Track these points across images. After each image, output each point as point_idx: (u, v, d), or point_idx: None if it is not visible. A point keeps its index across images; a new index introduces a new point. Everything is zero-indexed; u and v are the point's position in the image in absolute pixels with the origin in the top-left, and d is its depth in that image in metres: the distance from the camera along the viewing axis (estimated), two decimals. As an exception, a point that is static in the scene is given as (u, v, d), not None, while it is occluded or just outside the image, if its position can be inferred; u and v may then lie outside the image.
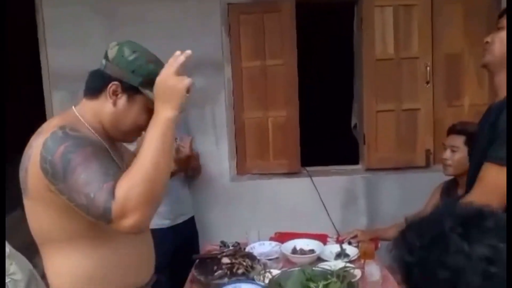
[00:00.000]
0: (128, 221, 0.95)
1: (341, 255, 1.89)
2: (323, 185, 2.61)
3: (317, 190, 2.60)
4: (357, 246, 1.97)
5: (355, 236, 2.07)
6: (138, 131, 1.17)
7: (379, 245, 2.06)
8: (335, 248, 1.96)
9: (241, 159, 2.71)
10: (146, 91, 1.09)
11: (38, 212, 1.09)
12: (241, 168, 2.71)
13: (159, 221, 2.00)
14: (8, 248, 1.50)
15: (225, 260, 1.67)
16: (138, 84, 1.10)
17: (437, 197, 2.11)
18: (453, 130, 1.95)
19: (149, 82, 1.07)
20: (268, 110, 2.67)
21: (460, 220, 0.59)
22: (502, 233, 0.57)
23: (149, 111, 1.09)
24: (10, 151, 1.92)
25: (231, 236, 2.07)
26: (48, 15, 2.54)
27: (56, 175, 0.99)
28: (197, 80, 2.57)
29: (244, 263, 1.64)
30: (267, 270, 1.66)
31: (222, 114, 2.61)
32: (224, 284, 1.54)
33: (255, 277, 1.61)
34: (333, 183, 2.64)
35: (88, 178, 0.97)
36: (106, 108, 1.12)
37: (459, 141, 1.92)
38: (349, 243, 2.03)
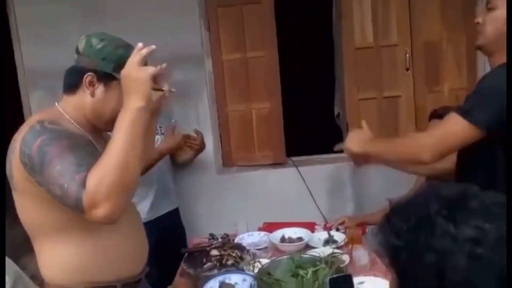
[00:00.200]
0: (100, 211, 0.96)
1: (329, 241, 1.91)
2: (309, 174, 2.63)
3: (303, 180, 2.62)
4: (344, 232, 1.99)
5: (343, 223, 2.10)
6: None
7: (366, 230, 2.10)
8: (323, 235, 1.98)
9: (226, 151, 2.70)
10: (119, 76, 1.10)
11: (27, 205, 1.10)
12: (227, 161, 2.71)
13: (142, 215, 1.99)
14: None
15: (214, 252, 1.67)
16: (111, 70, 1.12)
17: (422, 181, 2.15)
18: (435, 115, 1.98)
19: (122, 66, 1.09)
20: (251, 102, 2.67)
21: (445, 202, 0.59)
22: (487, 213, 0.57)
23: None
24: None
25: (220, 228, 2.07)
26: (20, 13, 2.47)
27: (34, 168, 1.02)
28: (178, 75, 2.56)
29: (233, 254, 1.65)
30: (257, 260, 1.66)
31: (205, 107, 2.60)
32: (214, 276, 1.54)
33: (244, 267, 1.62)
34: (319, 172, 2.66)
35: (62, 170, 0.98)
36: (86, 100, 1.14)
37: (440, 126, 1.96)
38: (337, 230, 2.05)
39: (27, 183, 1.05)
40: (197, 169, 2.57)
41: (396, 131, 2.68)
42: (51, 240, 1.12)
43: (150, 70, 1.04)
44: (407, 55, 2.59)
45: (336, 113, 2.90)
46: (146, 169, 1.72)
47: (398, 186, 2.32)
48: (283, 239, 1.92)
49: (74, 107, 1.15)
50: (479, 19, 1.27)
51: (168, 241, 2.08)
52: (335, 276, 1.24)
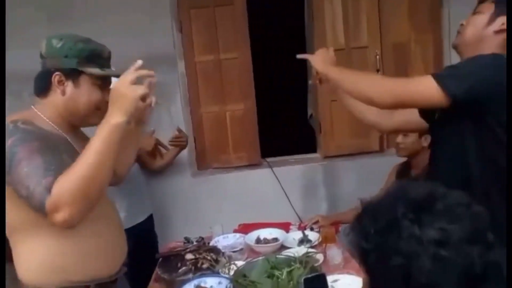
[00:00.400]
0: (59, 215, 0.99)
1: (303, 241, 1.93)
2: (284, 175, 2.65)
3: (278, 180, 2.63)
4: (318, 232, 2.02)
5: (317, 222, 2.13)
6: (96, 110, 1.20)
7: (340, 229, 2.14)
8: (297, 235, 2.00)
9: (200, 154, 2.69)
10: (86, 69, 1.15)
11: (6, 204, 1.11)
12: (202, 163, 2.69)
13: None
14: None
15: (189, 256, 1.66)
16: (76, 65, 1.14)
17: (393, 179, 2.21)
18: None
19: (85, 59, 1.14)
20: (225, 103, 2.67)
21: (411, 204, 0.60)
22: (451, 215, 0.58)
23: (99, 87, 1.18)
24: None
25: (195, 231, 2.05)
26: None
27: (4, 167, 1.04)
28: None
29: (209, 258, 1.64)
30: (232, 262, 1.66)
31: (178, 110, 2.57)
32: (189, 280, 1.53)
33: (220, 270, 1.62)
34: (293, 172, 2.69)
35: (29, 172, 1.00)
36: (58, 99, 1.17)
37: (409, 125, 2.01)
38: (311, 229, 2.08)
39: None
40: (171, 172, 2.54)
41: (367, 131, 2.74)
42: (24, 239, 1.13)
43: (140, 91, 1.05)
44: (377, 56, 2.66)
45: (309, 114, 2.93)
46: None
47: (369, 184, 2.37)
48: (258, 240, 1.93)
49: (48, 108, 1.17)
50: (463, 21, 1.30)
51: (141, 247, 2.05)
52: (309, 276, 1.26)
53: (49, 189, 0.98)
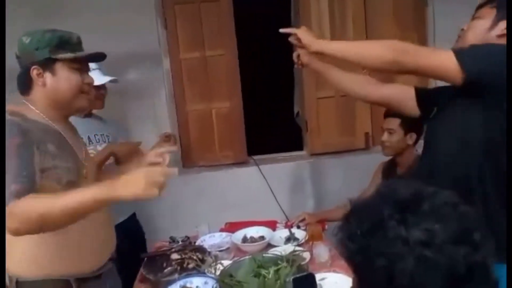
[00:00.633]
0: (9, 223, 1.02)
1: (290, 239, 1.93)
2: (271, 173, 2.64)
3: (264, 178, 2.63)
4: (305, 229, 2.02)
5: (303, 220, 2.13)
6: (81, 94, 1.25)
7: (326, 226, 2.14)
8: (284, 233, 2.00)
9: (186, 152, 2.66)
10: (59, 56, 1.19)
11: None
12: (187, 161, 2.66)
13: None
14: None
15: (175, 256, 1.64)
16: (48, 54, 1.18)
17: (379, 176, 2.22)
18: (389, 114, 2.05)
19: (56, 47, 1.18)
20: (211, 101, 2.64)
21: (398, 205, 0.59)
22: (437, 215, 0.58)
23: (78, 70, 1.22)
24: None
25: (181, 231, 2.03)
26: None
27: None
28: (134, 74, 2.48)
29: (195, 257, 1.62)
30: (219, 261, 1.65)
31: (163, 107, 2.54)
32: (175, 280, 1.51)
33: (206, 270, 1.60)
34: (280, 170, 2.68)
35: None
36: (42, 92, 1.20)
37: (395, 123, 2.02)
38: (298, 227, 2.08)
39: None
40: (156, 171, 2.51)
41: (354, 128, 2.76)
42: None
43: (152, 193, 1.02)
44: (363, 54, 2.66)
45: (295, 111, 2.93)
46: None
47: (355, 182, 2.38)
48: (245, 239, 1.91)
49: (37, 102, 1.21)
50: (464, 26, 1.31)
51: (127, 247, 2.01)
52: (298, 275, 1.25)
53: (13, 196, 1.01)
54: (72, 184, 1.17)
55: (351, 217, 0.64)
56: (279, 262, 1.55)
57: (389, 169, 2.19)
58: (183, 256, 1.63)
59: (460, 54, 1.15)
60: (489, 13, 1.24)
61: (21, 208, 1.01)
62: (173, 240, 1.93)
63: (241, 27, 2.66)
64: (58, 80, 1.20)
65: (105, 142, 1.98)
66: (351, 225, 0.62)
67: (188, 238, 1.94)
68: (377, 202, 0.62)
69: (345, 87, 1.62)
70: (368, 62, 1.25)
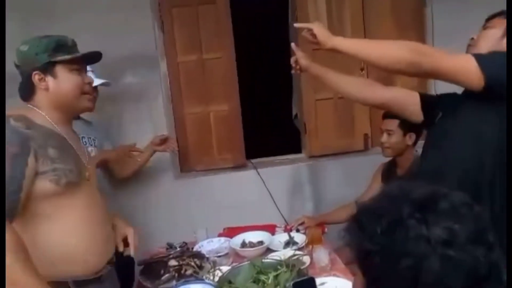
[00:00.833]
0: None
1: (289, 243, 1.91)
2: (269, 176, 2.62)
3: (263, 182, 2.60)
4: (304, 233, 2.00)
5: (302, 223, 2.11)
6: (83, 94, 1.29)
7: (326, 229, 2.12)
8: (283, 237, 1.98)
9: (184, 156, 2.63)
10: (58, 58, 1.22)
11: None
12: (185, 165, 2.64)
13: None
14: None
15: (172, 262, 1.61)
16: (47, 58, 1.21)
17: (379, 179, 2.20)
18: (387, 115, 2.03)
19: (54, 51, 1.21)
20: (209, 104, 2.62)
21: (416, 204, 0.58)
22: (456, 215, 0.57)
23: (77, 71, 1.26)
24: None
25: (179, 236, 2.00)
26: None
27: None
28: (131, 77, 2.46)
29: (192, 263, 1.60)
30: (217, 267, 1.63)
31: (160, 111, 2.51)
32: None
33: (204, 276, 1.58)
34: (278, 173, 2.66)
35: None
36: (45, 96, 1.24)
37: (393, 124, 2.01)
38: (297, 231, 2.06)
39: None
40: (153, 175, 2.48)
41: (352, 130, 2.74)
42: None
43: None
44: (361, 55, 2.65)
45: (293, 114, 2.91)
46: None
47: (354, 184, 2.37)
48: (243, 244, 1.89)
49: (40, 106, 1.24)
50: (474, 36, 1.31)
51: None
52: (298, 280, 1.23)
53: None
54: (73, 185, 1.21)
55: (363, 217, 0.62)
56: (279, 267, 1.54)
57: (389, 170, 2.18)
58: (181, 262, 1.61)
59: (481, 59, 1.15)
60: (501, 23, 1.26)
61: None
62: (170, 246, 1.90)
63: (238, 29, 2.65)
64: (60, 82, 1.23)
65: (91, 145, 1.98)
66: (367, 225, 0.60)
67: (186, 243, 1.92)
68: (392, 202, 0.61)
69: (344, 91, 1.60)
70: (384, 63, 1.21)
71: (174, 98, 2.58)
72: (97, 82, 1.92)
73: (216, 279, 1.53)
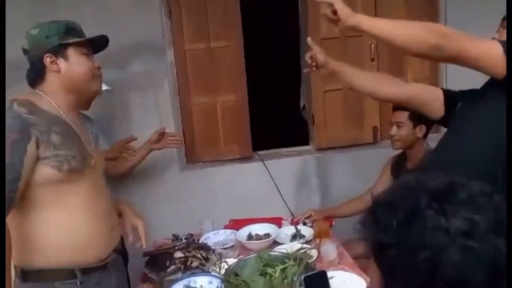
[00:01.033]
0: None
1: (296, 236, 1.89)
2: (276, 168, 2.58)
3: (269, 174, 2.57)
4: (311, 226, 1.97)
5: (309, 216, 2.08)
6: (94, 77, 1.31)
7: (333, 223, 2.09)
8: (290, 230, 1.95)
9: (190, 147, 2.60)
10: (69, 41, 1.23)
11: None
12: (191, 156, 2.61)
13: None
14: None
15: (178, 254, 1.59)
16: (58, 41, 1.22)
17: (388, 172, 2.16)
18: (397, 107, 1.99)
19: (64, 34, 1.23)
20: (216, 94, 2.58)
21: (433, 195, 0.56)
22: (475, 205, 0.55)
23: (86, 56, 1.27)
24: None
25: (184, 228, 1.99)
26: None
27: None
28: (137, 65, 2.42)
29: (198, 255, 1.58)
30: (223, 260, 1.61)
31: (166, 100, 2.46)
32: (178, 280, 1.47)
33: (210, 268, 1.55)
34: (285, 166, 2.62)
35: None
36: (56, 79, 1.24)
37: (403, 116, 1.96)
38: (304, 224, 2.03)
39: None
40: (159, 166, 2.45)
41: (361, 122, 2.69)
42: (12, 220, 1.17)
43: None
44: (372, 45, 2.59)
45: (301, 105, 2.86)
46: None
47: (362, 177, 2.33)
48: (250, 237, 1.87)
49: (48, 91, 1.24)
50: (495, 35, 1.25)
51: None
52: (310, 274, 1.20)
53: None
54: (76, 172, 1.21)
55: (378, 209, 0.60)
56: (286, 260, 1.51)
57: (398, 163, 2.14)
58: (187, 254, 1.59)
59: (505, 43, 1.09)
60: None
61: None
62: (176, 237, 1.89)
63: (246, 18, 2.59)
64: (72, 65, 1.24)
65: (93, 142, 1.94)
66: (382, 217, 0.58)
67: (192, 235, 1.90)
68: (409, 193, 0.58)
69: (363, 88, 1.51)
70: (408, 45, 1.14)
71: (181, 88, 2.54)
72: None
73: (222, 271, 1.51)
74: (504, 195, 1.11)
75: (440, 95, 1.40)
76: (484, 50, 1.10)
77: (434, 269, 0.53)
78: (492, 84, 1.17)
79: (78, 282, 1.21)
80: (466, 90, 1.37)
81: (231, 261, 1.59)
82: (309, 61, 1.52)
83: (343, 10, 1.25)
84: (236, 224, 2.05)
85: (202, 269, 1.54)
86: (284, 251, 1.60)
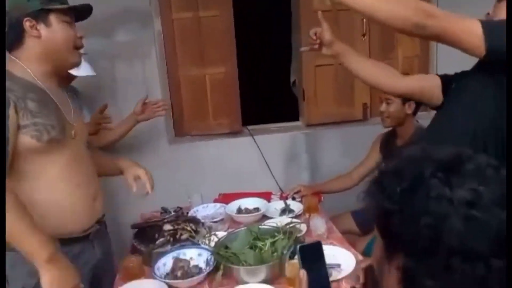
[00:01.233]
0: None
1: (285, 211, 1.89)
2: (265, 143, 2.57)
3: (259, 149, 2.55)
4: (300, 201, 1.98)
5: (299, 191, 2.08)
6: (74, 46, 1.26)
7: (322, 198, 2.10)
8: (279, 204, 1.96)
9: (178, 120, 2.55)
10: (51, 6, 1.18)
11: None
12: (180, 130, 2.56)
13: None
14: None
15: (167, 226, 1.58)
16: (40, 5, 1.17)
17: (377, 149, 2.17)
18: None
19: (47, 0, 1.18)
20: (205, 66, 2.51)
21: (439, 164, 0.56)
22: (481, 176, 0.55)
23: (68, 24, 1.23)
24: None
25: (173, 201, 1.97)
26: None
27: None
28: (123, 35, 2.33)
29: (188, 228, 1.57)
30: (213, 233, 1.60)
31: (153, 71, 2.39)
32: (167, 252, 1.46)
33: (200, 241, 1.55)
34: (275, 141, 2.61)
35: None
36: (36, 44, 1.19)
37: (392, 93, 1.95)
38: (293, 199, 2.04)
39: None
40: (147, 139, 2.40)
41: (352, 99, 2.67)
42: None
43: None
44: (364, 20, 2.54)
45: (292, 80, 2.82)
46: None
47: (351, 154, 2.34)
48: (239, 210, 1.87)
49: (26, 57, 1.19)
50: (490, 10, 1.23)
51: None
52: (305, 244, 1.20)
53: None
54: (56, 142, 1.18)
55: (383, 179, 0.60)
56: (276, 234, 1.51)
57: (388, 140, 2.14)
58: (176, 227, 1.57)
59: (487, 26, 1.07)
60: None
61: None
62: (165, 210, 1.87)
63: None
64: (54, 32, 1.20)
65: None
66: (387, 184, 0.58)
67: (181, 208, 1.88)
68: (414, 163, 0.58)
69: (365, 78, 1.45)
70: (390, 21, 1.12)
71: (169, 59, 2.46)
72: (84, 72, 1.82)
73: (212, 244, 1.51)
74: None
75: (438, 82, 1.38)
76: (465, 30, 1.08)
77: (436, 237, 0.52)
78: (479, 64, 1.16)
79: None
80: (460, 72, 1.36)
81: (221, 234, 1.58)
82: (313, 38, 1.44)
83: None
84: (226, 198, 2.04)
85: (191, 241, 1.53)
86: (274, 225, 1.60)
